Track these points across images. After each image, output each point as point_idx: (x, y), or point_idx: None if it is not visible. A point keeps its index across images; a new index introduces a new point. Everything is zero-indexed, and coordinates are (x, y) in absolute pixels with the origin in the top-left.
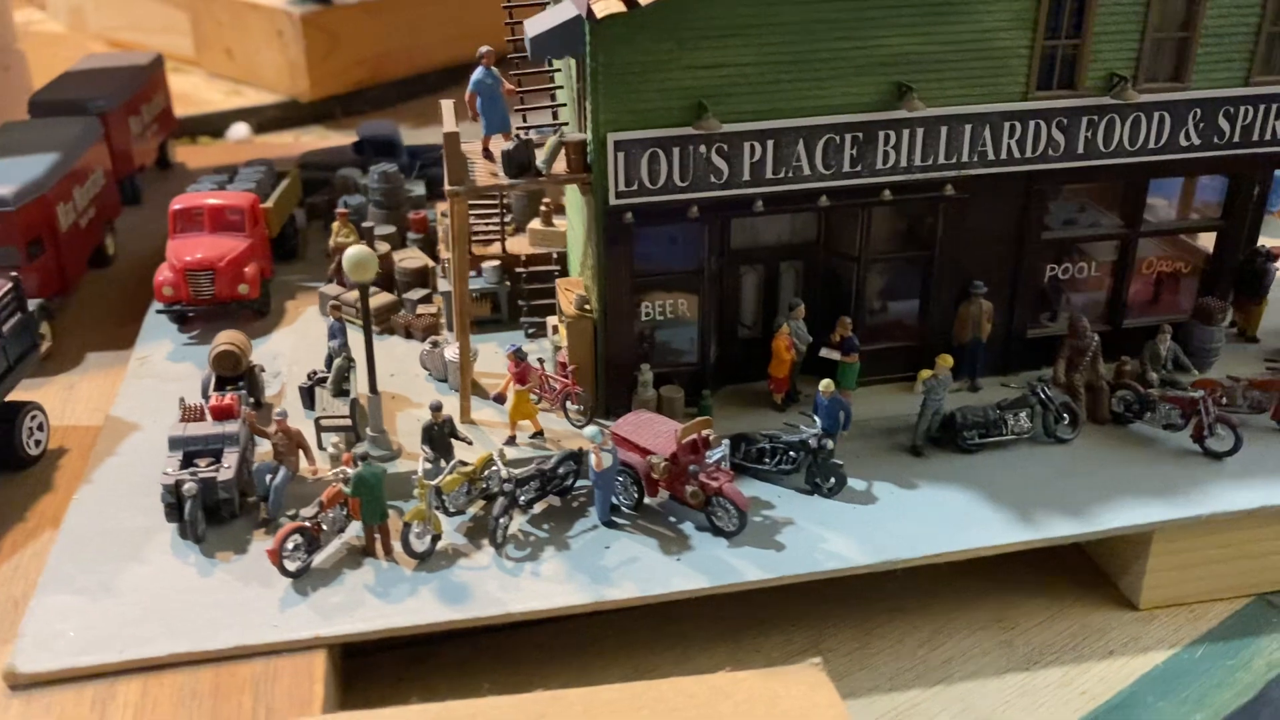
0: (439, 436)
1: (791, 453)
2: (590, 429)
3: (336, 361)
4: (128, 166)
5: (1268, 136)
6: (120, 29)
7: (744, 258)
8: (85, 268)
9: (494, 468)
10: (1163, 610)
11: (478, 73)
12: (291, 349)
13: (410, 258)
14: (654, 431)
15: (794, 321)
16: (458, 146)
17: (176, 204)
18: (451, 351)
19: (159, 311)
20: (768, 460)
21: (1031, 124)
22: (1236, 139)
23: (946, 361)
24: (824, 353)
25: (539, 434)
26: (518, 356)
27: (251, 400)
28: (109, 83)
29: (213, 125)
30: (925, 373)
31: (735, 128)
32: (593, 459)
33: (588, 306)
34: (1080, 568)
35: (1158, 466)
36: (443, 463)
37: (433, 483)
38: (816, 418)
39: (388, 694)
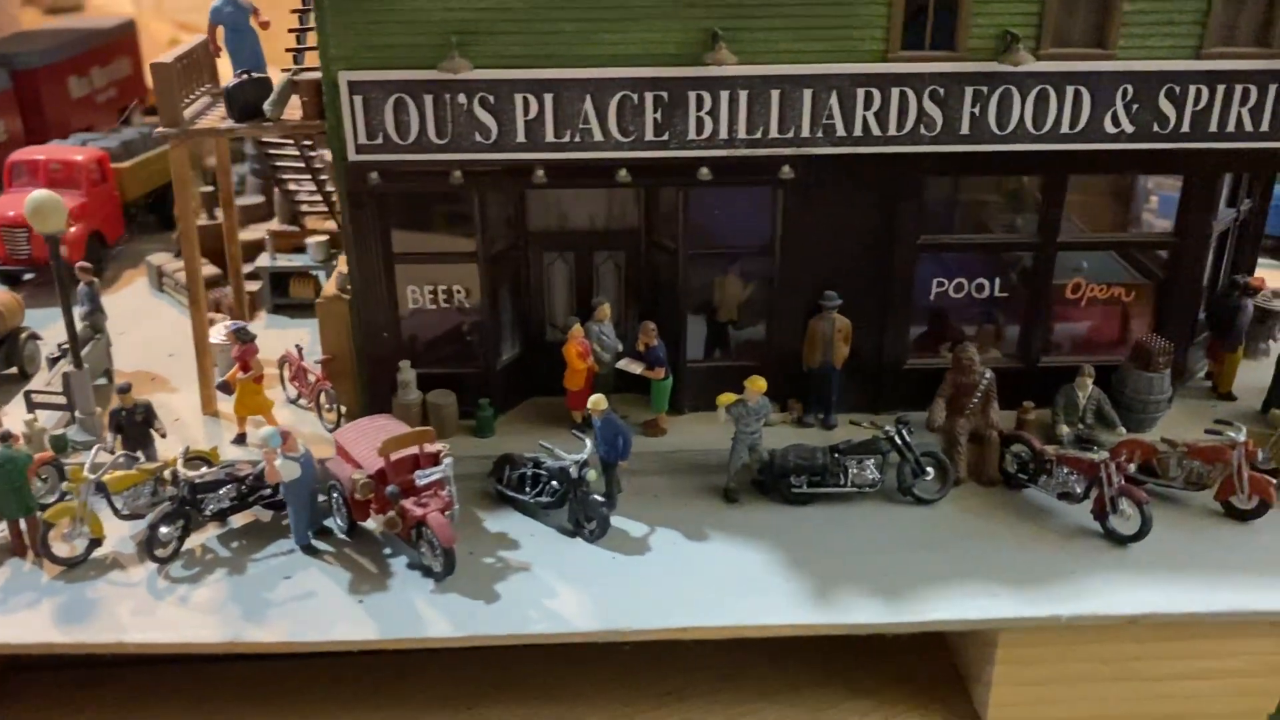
0: (129, 425)
1: (554, 482)
2: (265, 430)
3: (78, 330)
4: (62, 129)
5: (1229, 128)
6: (188, 10)
7: (548, 243)
8: None
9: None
10: None
11: (218, 1)
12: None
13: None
14: (374, 442)
15: (595, 324)
16: (169, 81)
17: (12, 156)
18: (217, 332)
19: None
20: (528, 489)
21: (894, 93)
22: (1186, 128)
23: (757, 385)
24: (622, 364)
25: None
26: (240, 338)
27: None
28: (49, 42)
29: None
30: (727, 397)
31: (500, 75)
32: (266, 469)
33: (350, 287)
34: (942, 669)
35: (1036, 547)
36: (141, 456)
37: (93, 476)
38: (588, 440)
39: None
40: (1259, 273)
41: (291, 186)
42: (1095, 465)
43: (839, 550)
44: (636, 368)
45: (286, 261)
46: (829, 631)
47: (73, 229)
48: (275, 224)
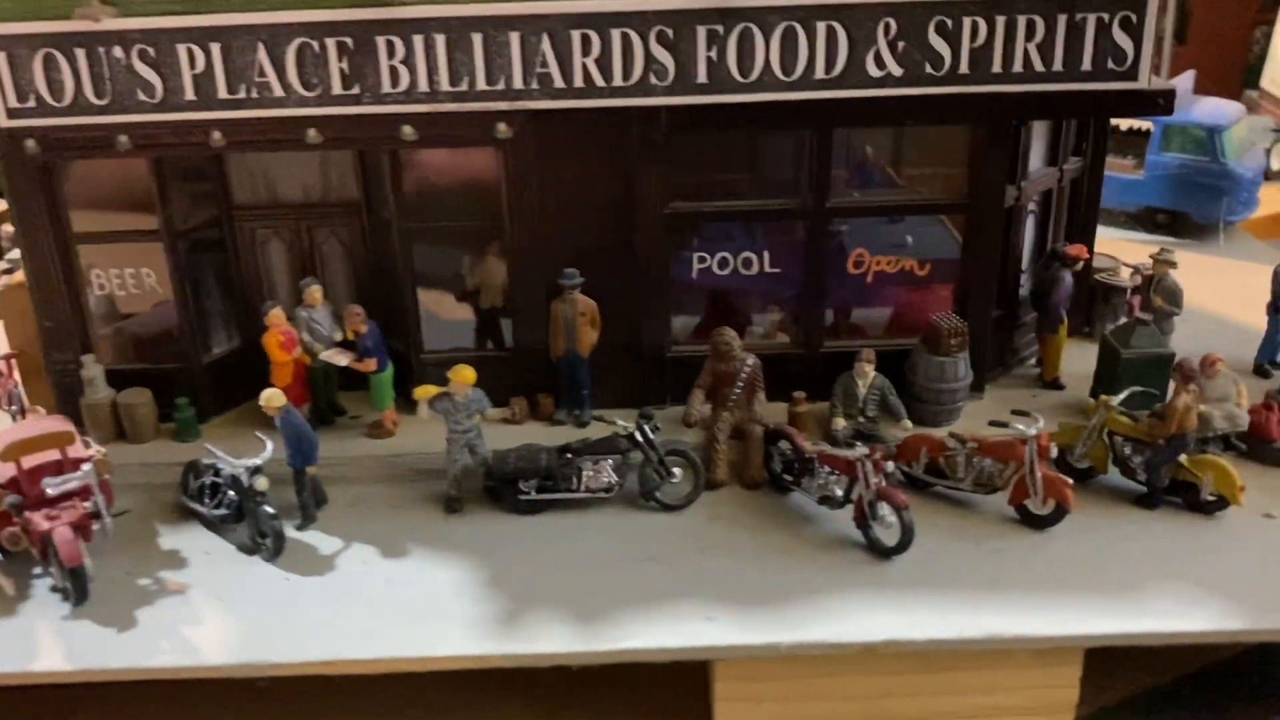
0: None
1: (231, 492)
2: None
3: None
4: None
5: (1015, 68)
6: None
7: (258, 218)
8: None
9: None
10: None
11: None
12: None
13: None
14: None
15: (305, 310)
16: None
17: None
18: None
19: None
20: (207, 500)
21: (615, 35)
22: (965, 69)
23: (463, 376)
24: (325, 356)
25: None
26: None
27: None
28: None
29: None
30: (426, 390)
31: (157, 23)
32: None
33: None
34: (699, 703)
35: (783, 561)
36: None
37: None
38: (268, 442)
39: None
40: (1140, 250)
41: None
42: (853, 464)
43: (553, 566)
44: (343, 359)
45: None
46: (504, 663)
47: None
48: None
